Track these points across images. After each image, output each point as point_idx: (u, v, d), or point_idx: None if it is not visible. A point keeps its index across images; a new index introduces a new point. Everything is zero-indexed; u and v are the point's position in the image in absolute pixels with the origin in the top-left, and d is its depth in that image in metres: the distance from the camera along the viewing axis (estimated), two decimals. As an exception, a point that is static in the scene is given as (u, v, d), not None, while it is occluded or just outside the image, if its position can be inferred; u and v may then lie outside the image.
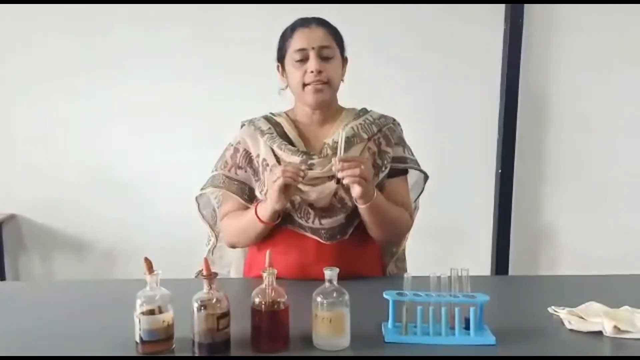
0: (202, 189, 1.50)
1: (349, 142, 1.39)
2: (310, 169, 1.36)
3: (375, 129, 1.45)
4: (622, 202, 2.87)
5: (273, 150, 1.42)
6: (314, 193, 1.35)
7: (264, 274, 1.00)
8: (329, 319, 0.99)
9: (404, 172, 1.51)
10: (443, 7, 2.72)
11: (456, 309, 1.05)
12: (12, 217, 2.80)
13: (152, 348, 0.98)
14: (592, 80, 2.80)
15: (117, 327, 1.07)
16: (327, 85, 1.38)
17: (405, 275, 1.09)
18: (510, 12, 2.73)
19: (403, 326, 1.06)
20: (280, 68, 1.46)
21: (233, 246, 1.52)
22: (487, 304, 1.07)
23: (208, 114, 2.67)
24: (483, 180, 2.86)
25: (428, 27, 2.75)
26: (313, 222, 1.38)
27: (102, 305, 1.26)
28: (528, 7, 2.75)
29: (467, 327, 1.05)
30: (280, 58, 1.45)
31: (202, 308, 0.96)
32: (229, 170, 1.47)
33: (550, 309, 1.19)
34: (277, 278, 1.02)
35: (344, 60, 1.46)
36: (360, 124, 1.44)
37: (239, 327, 1.01)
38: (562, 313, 1.15)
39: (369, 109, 1.51)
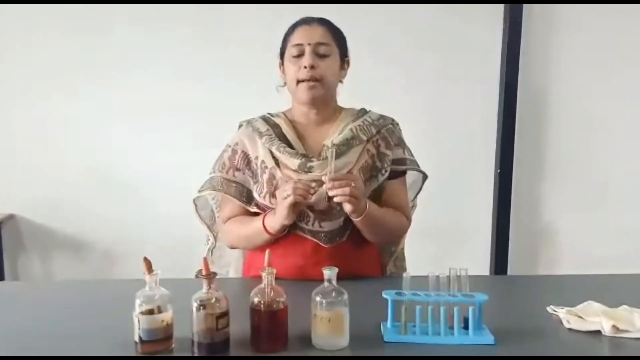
0: (199, 190, 1.49)
1: (348, 144, 1.39)
2: (309, 172, 1.36)
3: (374, 131, 1.44)
4: (621, 202, 2.87)
5: (272, 152, 1.42)
6: (313, 196, 1.35)
7: (263, 274, 1.00)
8: (327, 319, 1.00)
9: (403, 173, 1.51)
10: (442, 7, 2.72)
11: (455, 309, 1.05)
12: (11, 217, 2.80)
13: (152, 348, 0.98)
14: (591, 80, 2.80)
15: (116, 327, 1.07)
16: (320, 83, 1.38)
17: (404, 274, 1.10)
18: (509, 12, 2.73)
19: (402, 326, 1.06)
20: (281, 65, 1.47)
21: (234, 248, 1.53)
22: (486, 304, 1.07)
23: (208, 114, 2.67)
24: (482, 179, 2.87)
25: (427, 27, 2.75)
26: (313, 225, 1.38)
27: (101, 305, 1.26)
28: (527, 7, 2.75)
29: (466, 327, 1.05)
30: (281, 54, 1.46)
31: (202, 308, 0.96)
32: (227, 173, 1.46)
33: (549, 309, 1.19)
34: (276, 279, 1.02)
35: (345, 62, 1.46)
36: (359, 125, 1.44)
37: (238, 326, 1.01)
38: (561, 312, 1.16)
39: (368, 109, 1.51)
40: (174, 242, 2.61)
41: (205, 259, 1.04)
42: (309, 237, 1.39)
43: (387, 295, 1.07)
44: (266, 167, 1.42)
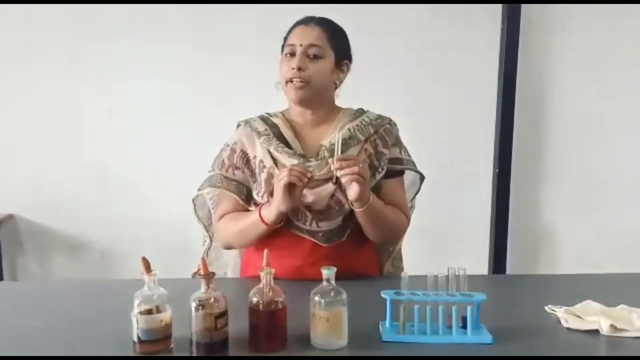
0: (199, 189, 1.50)
1: (346, 144, 1.39)
2: None
3: (371, 130, 1.45)
4: (620, 202, 2.87)
5: (270, 152, 1.42)
6: (311, 195, 1.35)
7: (262, 274, 1.00)
8: (326, 318, 1.00)
9: (401, 173, 1.51)
10: (441, 7, 2.72)
11: (453, 308, 1.05)
12: (10, 217, 2.79)
13: (150, 348, 0.98)
14: (589, 80, 2.81)
15: (115, 327, 1.07)
16: (308, 84, 1.38)
17: (402, 274, 1.10)
18: (507, 12, 2.74)
19: (400, 325, 1.06)
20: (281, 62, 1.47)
21: (228, 247, 1.52)
22: (484, 303, 1.07)
23: (207, 114, 2.67)
24: (481, 179, 2.87)
25: (425, 27, 2.75)
26: (310, 224, 1.38)
27: (100, 305, 1.26)
28: (525, 7, 2.75)
29: (465, 326, 1.05)
30: (282, 52, 1.46)
31: (200, 307, 0.96)
32: (227, 171, 1.46)
33: (547, 308, 1.19)
34: (274, 279, 1.02)
35: (343, 64, 1.45)
36: (357, 125, 1.44)
37: (237, 326, 1.01)
38: (559, 312, 1.16)
39: (366, 109, 1.51)
40: (173, 242, 2.61)
41: (203, 259, 1.04)
42: (306, 237, 1.39)
43: (386, 294, 1.07)
44: (264, 166, 1.42)
